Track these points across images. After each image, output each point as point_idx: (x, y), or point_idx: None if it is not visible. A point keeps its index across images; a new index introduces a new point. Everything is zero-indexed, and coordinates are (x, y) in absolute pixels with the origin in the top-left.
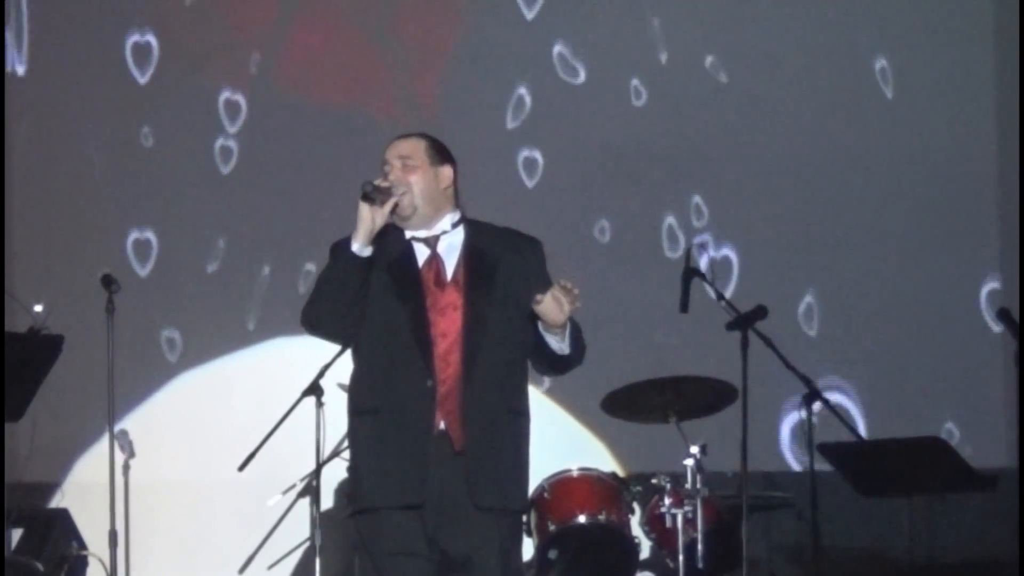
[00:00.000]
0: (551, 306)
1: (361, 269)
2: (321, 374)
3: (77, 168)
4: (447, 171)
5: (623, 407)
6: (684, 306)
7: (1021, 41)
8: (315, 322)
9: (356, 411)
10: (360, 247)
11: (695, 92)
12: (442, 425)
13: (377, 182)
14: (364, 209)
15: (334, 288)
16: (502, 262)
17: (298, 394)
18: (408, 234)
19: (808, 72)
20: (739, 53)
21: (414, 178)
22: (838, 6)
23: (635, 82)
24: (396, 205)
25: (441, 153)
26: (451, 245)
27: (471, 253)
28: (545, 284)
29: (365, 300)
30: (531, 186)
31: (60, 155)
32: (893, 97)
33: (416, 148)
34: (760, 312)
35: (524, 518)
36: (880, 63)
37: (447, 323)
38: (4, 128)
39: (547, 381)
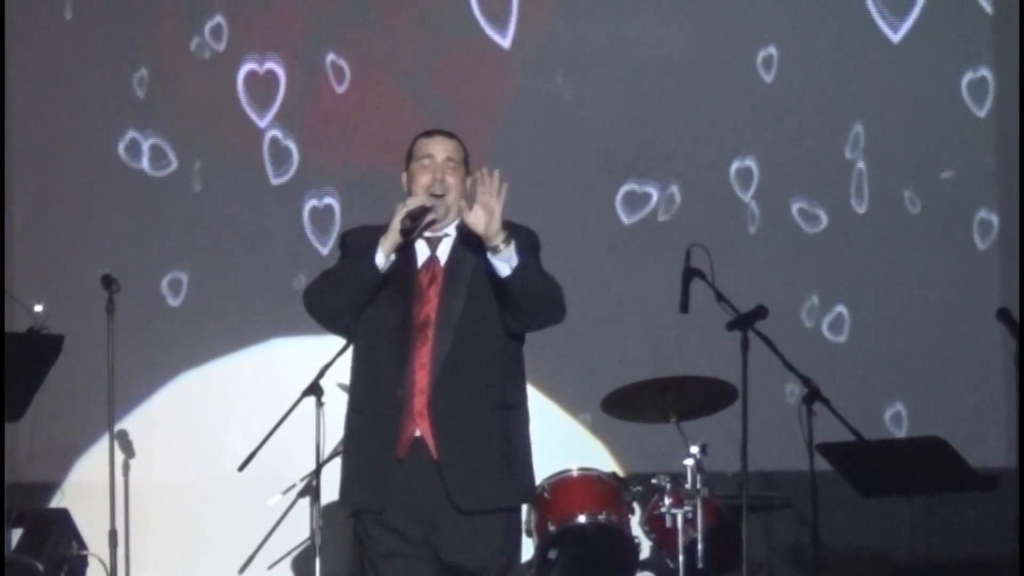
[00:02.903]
0: (481, 214)
1: (378, 281)
2: (321, 374)
3: (78, 167)
4: (469, 180)
5: (623, 407)
6: (684, 306)
7: (1021, 41)
8: (318, 312)
9: (349, 407)
10: (384, 257)
11: (697, 92)
12: (418, 433)
13: (413, 208)
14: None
15: (346, 288)
16: (481, 255)
17: (298, 394)
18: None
19: (807, 73)
20: (742, 57)
21: (455, 181)
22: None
23: (637, 83)
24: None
25: (467, 160)
26: (447, 246)
27: (453, 254)
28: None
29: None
30: (531, 185)
31: (60, 155)
32: (892, 95)
33: (459, 152)
34: (760, 312)
35: (524, 517)
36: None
37: (429, 331)
38: (4, 128)
39: (547, 380)
